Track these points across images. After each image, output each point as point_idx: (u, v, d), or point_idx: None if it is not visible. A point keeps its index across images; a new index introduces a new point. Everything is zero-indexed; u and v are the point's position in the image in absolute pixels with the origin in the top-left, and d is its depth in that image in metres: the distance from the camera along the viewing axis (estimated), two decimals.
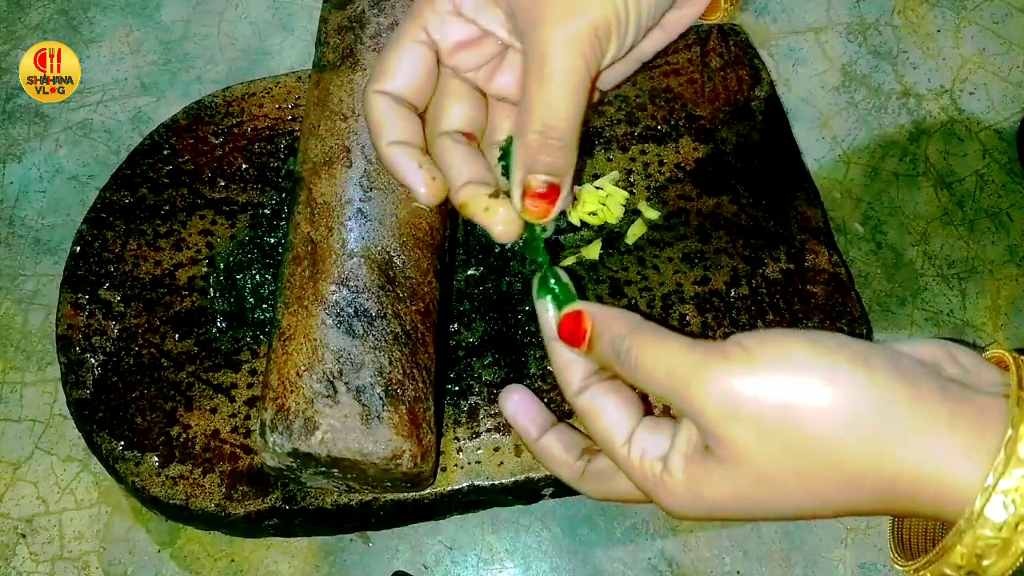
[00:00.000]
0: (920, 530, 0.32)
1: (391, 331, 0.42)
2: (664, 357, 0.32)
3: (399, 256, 0.44)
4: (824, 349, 0.29)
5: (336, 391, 0.40)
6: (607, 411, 0.35)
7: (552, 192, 0.36)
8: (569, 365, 0.37)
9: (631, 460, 0.33)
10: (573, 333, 0.36)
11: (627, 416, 0.34)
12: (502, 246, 0.56)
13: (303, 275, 0.44)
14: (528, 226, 0.38)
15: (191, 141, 0.60)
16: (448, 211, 0.49)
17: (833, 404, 0.28)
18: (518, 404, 0.40)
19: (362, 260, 0.43)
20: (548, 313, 0.38)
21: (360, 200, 0.44)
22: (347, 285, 0.42)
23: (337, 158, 0.46)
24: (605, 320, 0.35)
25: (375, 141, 0.38)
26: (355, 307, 0.42)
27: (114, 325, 0.54)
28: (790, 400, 0.28)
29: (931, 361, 0.31)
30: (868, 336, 0.54)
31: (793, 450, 0.28)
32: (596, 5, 0.33)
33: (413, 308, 0.44)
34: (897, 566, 0.31)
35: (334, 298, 0.42)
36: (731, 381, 0.29)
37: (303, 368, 0.41)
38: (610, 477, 0.36)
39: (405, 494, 0.49)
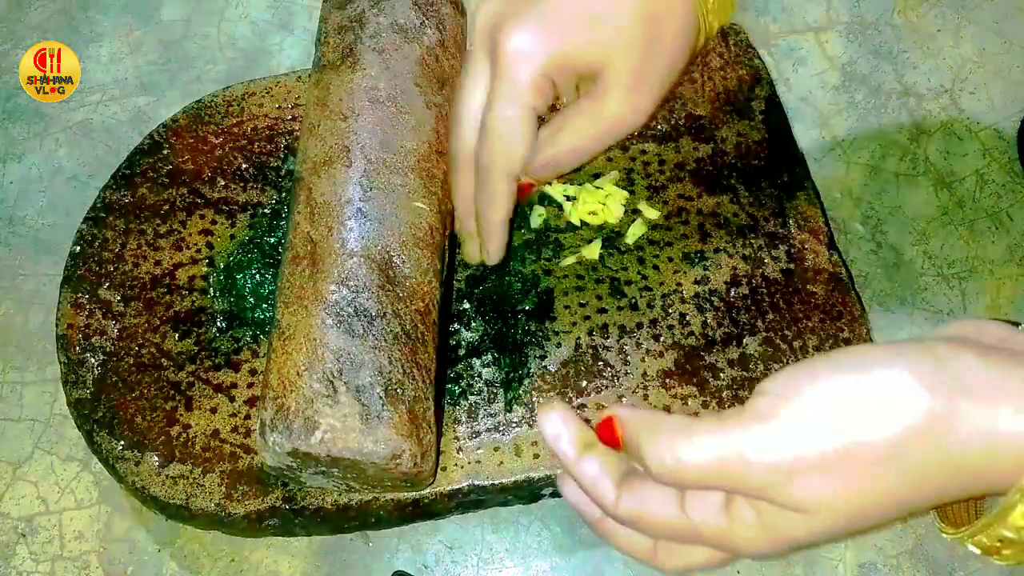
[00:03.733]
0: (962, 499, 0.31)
1: (391, 330, 0.42)
2: (704, 445, 0.29)
3: (399, 255, 0.44)
4: (854, 368, 0.28)
5: (336, 391, 0.40)
6: (652, 501, 0.32)
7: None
8: (598, 481, 0.34)
9: (696, 525, 0.31)
10: (608, 440, 0.35)
11: (668, 493, 0.32)
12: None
13: (303, 274, 0.44)
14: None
15: (191, 141, 0.60)
16: (448, 211, 0.49)
17: (894, 419, 0.27)
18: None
19: (362, 260, 0.43)
20: (563, 443, 0.35)
21: (360, 200, 0.44)
22: (347, 284, 0.42)
23: (337, 158, 0.46)
24: (631, 422, 0.33)
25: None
26: (355, 307, 0.42)
27: (114, 325, 0.54)
28: (850, 440, 0.27)
29: (968, 336, 0.30)
30: (868, 336, 0.54)
31: (874, 488, 0.27)
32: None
33: (413, 307, 0.44)
34: (945, 535, 0.30)
35: (334, 298, 0.42)
36: (781, 442, 0.28)
37: (303, 368, 0.41)
38: (681, 550, 0.34)
39: (405, 494, 0.49)
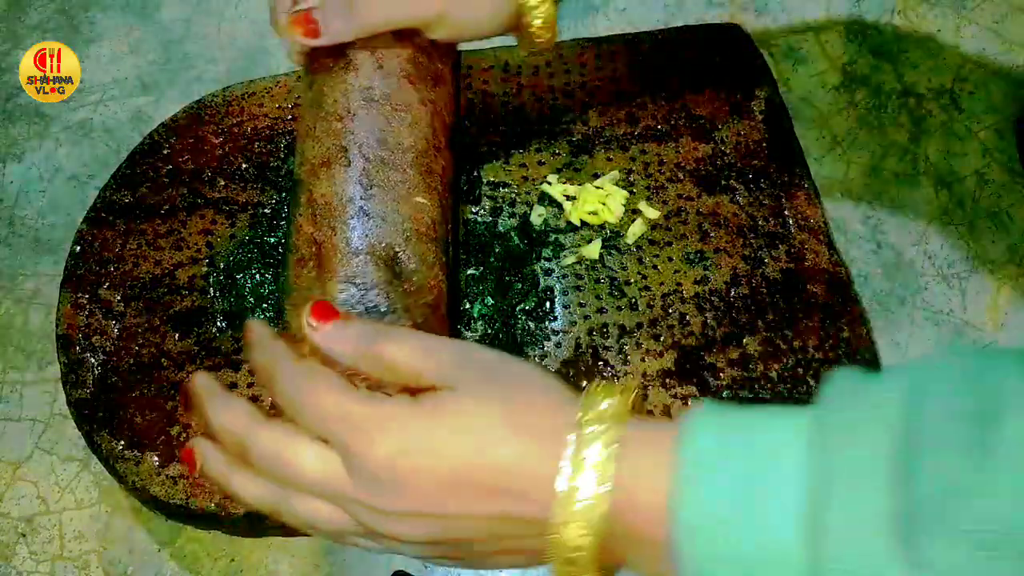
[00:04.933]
0: None
1: (401, 326, 0.42)
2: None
3: (404, 251, 0.44)
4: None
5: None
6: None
7: (314, 27, 0.40)
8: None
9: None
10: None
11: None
12: (502, 246, 0.56)
13: (309, 276, 0.44)
14: None
15: (191, 141, 0.60)
16: (449, 205, 0.49)
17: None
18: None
19: (368, 257, 0.43)
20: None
21: (361, 198, 0.44)
22: (354, 283, 0.42)
23: (335, 158, 0.46)
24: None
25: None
26: (364, 305, 0.42)
27: (114, 325, 0.54)
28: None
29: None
30: (868, 336, 0.54)
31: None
32: None
33: (422, 302, 0.44)
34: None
35: (342, 296, 0.42)
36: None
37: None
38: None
39: None
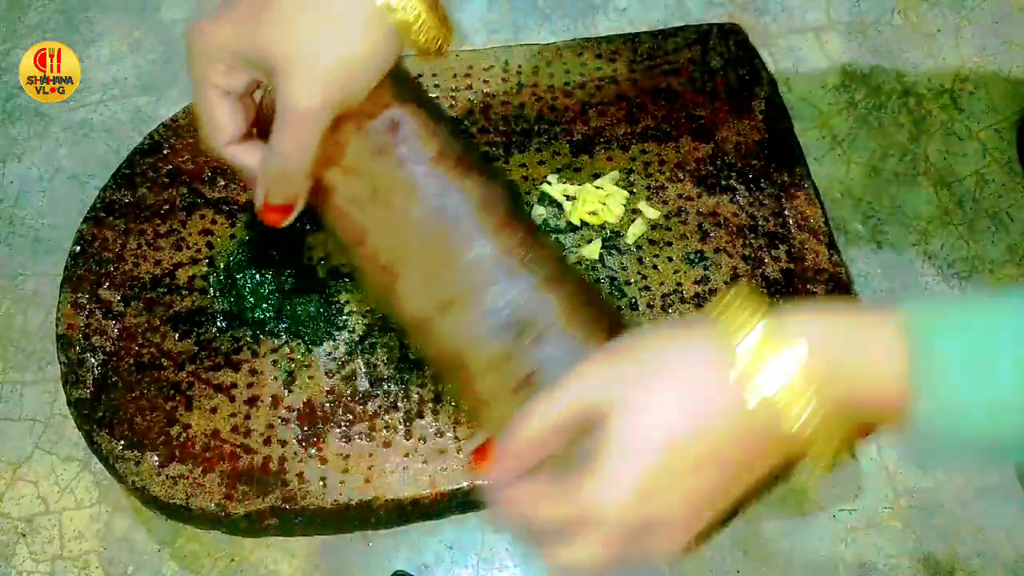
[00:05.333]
0: None
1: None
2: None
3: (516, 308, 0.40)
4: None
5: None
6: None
7: (286, 209, 0.41)
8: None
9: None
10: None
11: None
12: None
13: (460, 384, 0.41)
14: None
15: (191, 140, 0.60)
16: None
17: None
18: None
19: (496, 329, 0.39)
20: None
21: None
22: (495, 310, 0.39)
23: (448, 303, 0.41)
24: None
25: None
26: (514, 327, 0.39)
27: (114, 325, 0.54)
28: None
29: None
30: None
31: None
32: (328, 59, 0.36)
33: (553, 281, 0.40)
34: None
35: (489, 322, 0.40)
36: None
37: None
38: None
39: (404, 494, 0.49)
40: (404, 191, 0.40)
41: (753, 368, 0.29)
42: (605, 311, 0.41)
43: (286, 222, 0.42)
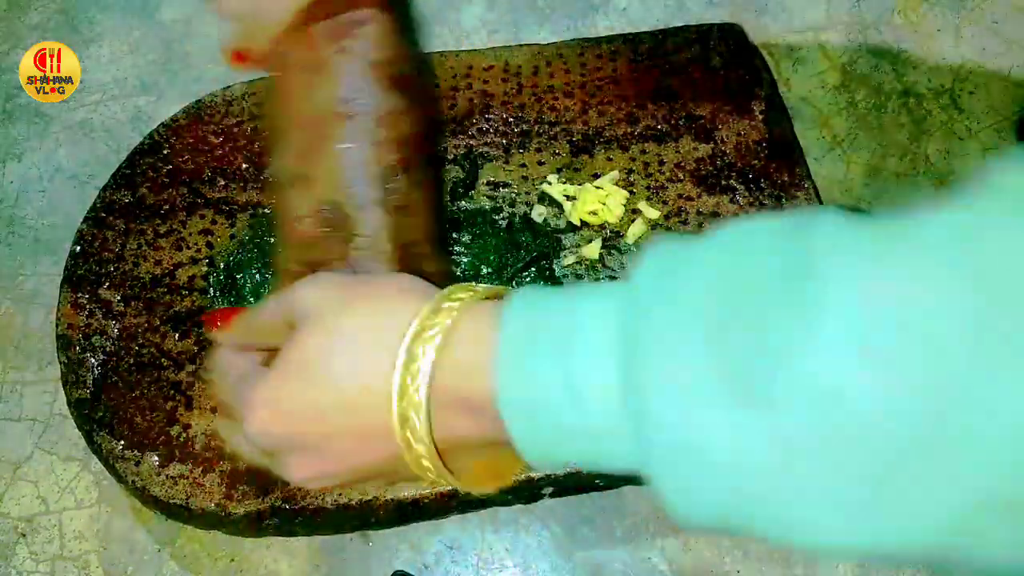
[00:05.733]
0: None
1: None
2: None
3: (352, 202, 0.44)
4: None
5: None
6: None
7: (244, 58, 0.46)
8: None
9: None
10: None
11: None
12: (502, 245, 0.56)
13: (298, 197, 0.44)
14: None
15: (191, 141, 0.60)
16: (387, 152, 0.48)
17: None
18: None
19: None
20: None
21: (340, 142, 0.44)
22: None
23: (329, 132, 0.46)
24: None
25: None
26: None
27: (114, 324, 0.54)
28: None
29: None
30: None
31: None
32: None
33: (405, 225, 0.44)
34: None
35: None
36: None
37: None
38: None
39: (405, 493, 0.49)
40: (327, 72, 0.43)
41: (409, 359, 0.27)
42: (433, 263, 0.44)
43: (238, 69, 0.47)
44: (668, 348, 0.23)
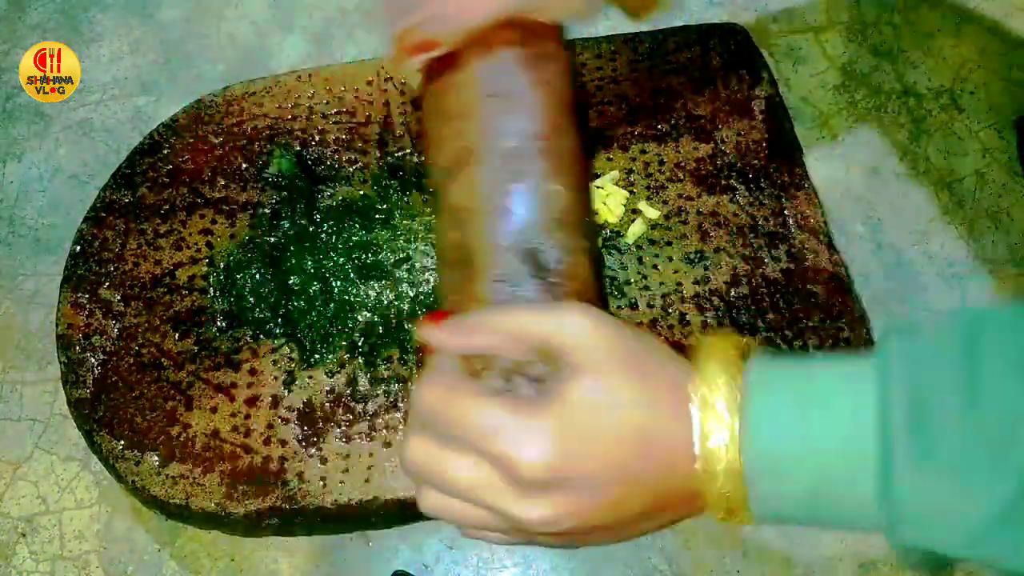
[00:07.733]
0: None
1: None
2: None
3: (545, 242, 0.44)
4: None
5: (515, 384, 0.40)
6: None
7: (423, 48, 0.43)
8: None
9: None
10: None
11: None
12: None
13: (457, 279, 0.44)
14: None
15: (191, 140, 0.60)
16: (584, 187, 0.48)
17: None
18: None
19: (511, 255, 0.43)
20: None
21: (495, 195, 0.44)
22: (503, 280, 0.42)
23: (463, 160, 0.45)
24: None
25: None
26: (514, 300, 0.42)
27: (114, 324, 0.54)
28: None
29: None
30: (868, 336, 0.54)
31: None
32: None
33: (571, 289, 0.44)
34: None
35: (492, 295, 0.42)
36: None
37: (480, 367, 0.41)
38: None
39: (405, 493, 0.49)
40: (522, 102, 0.45)
41: (705, 432, 0.29)
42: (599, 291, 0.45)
43: (404, 59, 0.44)
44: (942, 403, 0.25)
